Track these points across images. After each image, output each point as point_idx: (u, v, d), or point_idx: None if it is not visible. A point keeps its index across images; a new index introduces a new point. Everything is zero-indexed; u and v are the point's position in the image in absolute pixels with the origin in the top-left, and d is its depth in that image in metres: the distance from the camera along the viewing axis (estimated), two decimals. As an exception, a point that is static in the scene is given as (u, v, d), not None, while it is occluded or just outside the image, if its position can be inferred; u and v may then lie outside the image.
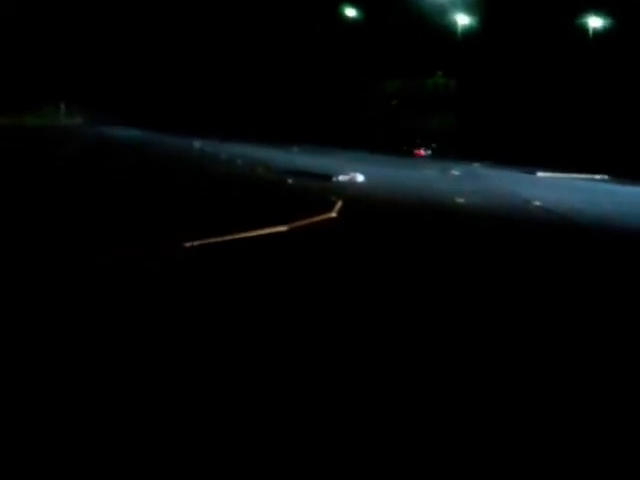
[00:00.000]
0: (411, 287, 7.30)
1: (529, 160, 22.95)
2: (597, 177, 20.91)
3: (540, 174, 20.77)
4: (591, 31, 30.38)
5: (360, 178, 16.23)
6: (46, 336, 5.18)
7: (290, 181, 15.25)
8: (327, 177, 16.00)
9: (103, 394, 4.23)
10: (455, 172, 20.08)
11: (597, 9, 29.55)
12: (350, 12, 36.81)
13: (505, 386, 4.76)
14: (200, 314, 5.94)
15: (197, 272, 7.36)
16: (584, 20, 30.17)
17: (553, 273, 8.40)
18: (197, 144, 22.24)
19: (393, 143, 27.99)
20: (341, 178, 16.07)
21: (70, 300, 6.08)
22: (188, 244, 8.38)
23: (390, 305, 6.55)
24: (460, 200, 14.13)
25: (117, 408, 4.06)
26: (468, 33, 33.78)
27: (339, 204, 12.23)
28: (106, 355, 4.86)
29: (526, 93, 30.73)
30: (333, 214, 11.43)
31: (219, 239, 8.78)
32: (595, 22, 30.14)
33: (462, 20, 33.92)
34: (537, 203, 14.19)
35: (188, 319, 5.77)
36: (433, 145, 27.66)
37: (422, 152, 27.25)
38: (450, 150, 26.61)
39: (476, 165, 22.77)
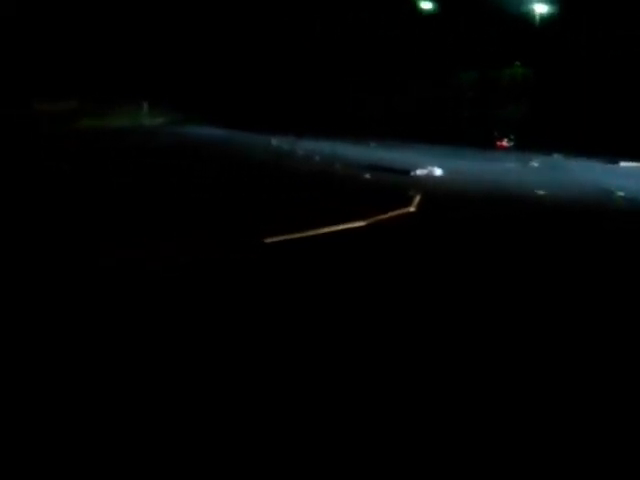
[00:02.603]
0: (494, 282, 7.29)
1: (611, 150, 22.37)
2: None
3: (623, 164, 20.23)
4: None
5: (438, 172, 16.15)
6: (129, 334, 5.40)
7: (368, 176, 15.29)
8: (405, 172, 15.98)
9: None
10: (535, 164, 19.75)
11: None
12: (425, 5, 36.58)
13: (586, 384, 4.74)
14: (282, 309, 6.08)
15: (277, 267, 7.52)
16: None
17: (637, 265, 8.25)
18: (275, 141, 22.48)
19: (472, 135, 27.65)
20: (419, 172, 16.02)
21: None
22: (269, 240, 8.56)
23: (473, 301, 6.56)
24: (541, 192, 13.93)
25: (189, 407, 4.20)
26: (547, 22, 33.14)
27: (418, 198, 12.22)
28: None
29: (606, 82, 29.96)
30: (412, 208, 11.44)
31: (299, 235, 8.93)
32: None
33: (540, 9, 33.30)
34: (621, 194, 13.87)
35: (275, 312, 5.93)
36: (511, 136, 27.21)
37: (505, 143, 26.86)
38: (529, 141, 26.12)
39: (557, 156, 22.33)
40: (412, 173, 15.88)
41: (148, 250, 7.90)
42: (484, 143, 25.99)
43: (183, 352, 4.99)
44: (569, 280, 7.45)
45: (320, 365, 4.84)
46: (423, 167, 16.27)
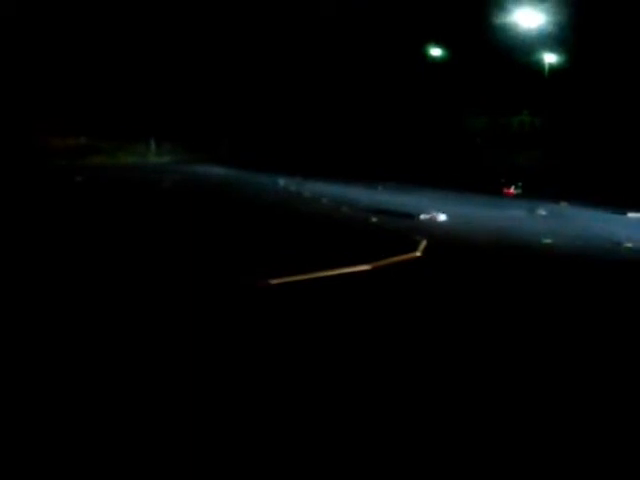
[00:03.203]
0: (498, 332, 7.18)
1: (618, 200, 22.36)
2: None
3: (631, 214, 20.18)
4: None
5: (442, 217, 16.13)
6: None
7: (374, 220, 15.28)
8: (411, 216, 15.97)
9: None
10: (542, 212, 19.71)
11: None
12: (435, 52, 37.00)
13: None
14: (284, 352, 5.99)
15: (281, 309, 7.44)
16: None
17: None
18: (281, 182, 22.56)
19: (479, 181, 27.72)
20: (422, 217, 16.01)
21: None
22: (274, 281, 8.50)
23: (475, 350, 6.46)
24: (547, 241, 13.86)
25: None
26: (555, 71, 33.46)
27: (424, 243, 12.17)
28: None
29: (613, 132, 30.12)
30: (417, 253, 11.38)
31: (303, 277, 8.87)
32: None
33: (549, 58, 33.63)
34: (629, 245, 13.79)
35: (274, 354, 5.84)
36: (519, 184, 27.25)
37: (512, 191, 26.89)
38: (537, 189, 26.15)
39: (564, 205, 22.31)
40: (418, 218, 15.88)
41: (149, 292, 7.85)
42: (492, 190, 26.03)
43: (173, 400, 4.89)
44: (568, 329, 7.35)
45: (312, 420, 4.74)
46: (428, 212, 16.27)
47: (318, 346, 6.24)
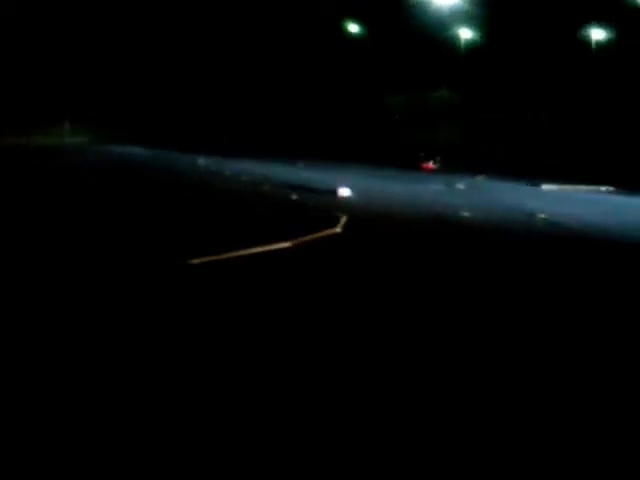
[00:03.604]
0: (408, 303, 7.30)
1: (534, 172, 22.95)
2: (602, 189, 20.91)
3: (545, 187, 20.76)
4: (594, 43, 30.52)
5: (347, 192, 16.26)
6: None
7: (295, 197, 15.27)
8: (332, 192, 16.04)
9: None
10: (460, 186, 20.08)
11: (599, 22, 29.70)
12: (353, 28, 37.02)
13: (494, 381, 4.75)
14: (206, 325, 5.95)
15: (203, 287, 7.38)
16: (586, 32, 30.32)
17: (551, 280, 8.41)
18: (202, 161, 22.27)
19: (399, 157, 28.03)
20: (341, 193, 16.15)
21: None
22: (195, 261, 8.41)
23: (385, 320, 6.55)
24: (465, 214, 14.13)
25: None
26: (472, 47, 33.94)
27: (344, 219, 12.24)
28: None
29: (530, 105, 30.80)
30: (338, 229, 11.43)
31: (225, 256, 8.80)
32: (597, 34, 30.31)
33: (465, 34, 34.07)
34: (542, 216, 14.18)
35: (195, 329, 5.79)
36: (438, 158, 27.69)
37: (431, 165, 27.28)
38: (455, 163, 26.63)
39: (481, 178, 22.77)
40: (338, 193, 15.97)
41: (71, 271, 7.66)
42: (412, 165, 26.36)
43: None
44: (483, 296, 7.54)
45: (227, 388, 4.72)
46: (346, 187, 16.35)
47: (237, 323, 6.22)
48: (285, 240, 9.87)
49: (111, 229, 10.54)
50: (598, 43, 30.53)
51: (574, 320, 6.91)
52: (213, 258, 8.64)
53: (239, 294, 7.24)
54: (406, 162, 26.35)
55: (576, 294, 8.05)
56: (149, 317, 6.27)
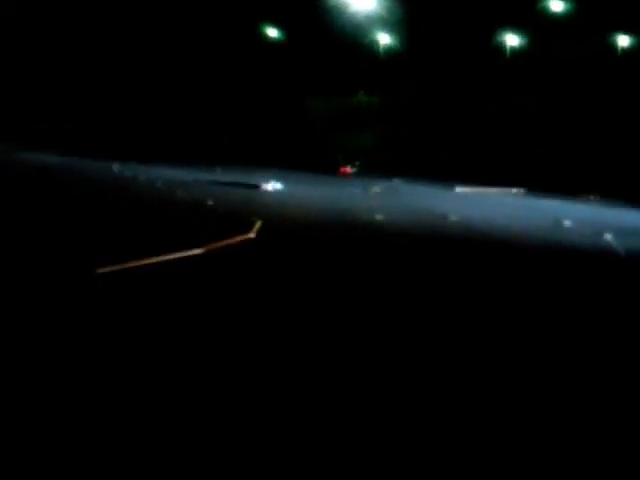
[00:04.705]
0: (327, 302, 7.37)
1: (449, 175, 23.43)
2: (513, 191, 21.52)
3: (458, 189, 21.23)
4: (508, 48, 31.40)
5: (278, 186, 17.59)
6: None
7: (210, 203, 15.18)
8: (252, 189, 16.17)
9: None
10: (377, 189, 20.34)
11: (514, 28, 30.59)
12: (272, 32, 37.04)
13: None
14: (114, 338, 5.87)
15: (110, 297, 7.27)
16: (501, 38, 31.19)
17: (460, 281, 8.63)
18: (116, 167, 21.89)
19: (318, 161, 28.16)
20: (263, 188, 17.43)
21: None
22: (101, 270, 8.27)
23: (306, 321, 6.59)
24: (380, 217, 14.33)
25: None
26: (390, 52, 34.41)
27: (258, 224, 12.23)
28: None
29: (446, 110, 31.44)
30: (251, 234, 11.42)
31: (133, 264, 8.69)
32: (512, 40, 31.20)
33: (383, 39, 34.55)
34: (454, 218, 14.50)
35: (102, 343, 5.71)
36: (356, 162, 27.94)
37: (348, 169, 27.49)
38: (373, 167, 26.93)
39: (397, 181, 23.12)
40: (258, 192, 16.45)
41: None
42: (330, 169, 26.53)
43: None
44: (396, 296, 7.67)
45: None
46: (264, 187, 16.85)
47: (144, 335, 6.15)
48: (197, 246, 9.81)
49: (12, 237, 10.23)
50: (512, 49, 31.43)
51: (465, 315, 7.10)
52: (121, 267, 8.52)
53: (147, 303, 7.16)
54: (324, 166, 26.51)
55: (472, 292, 8.30)
56: (51, 330, 6.14)
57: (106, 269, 8.44)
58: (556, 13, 29.38)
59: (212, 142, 31.34)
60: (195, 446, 3.97)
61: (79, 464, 3.66)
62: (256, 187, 17.90)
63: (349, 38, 33.29)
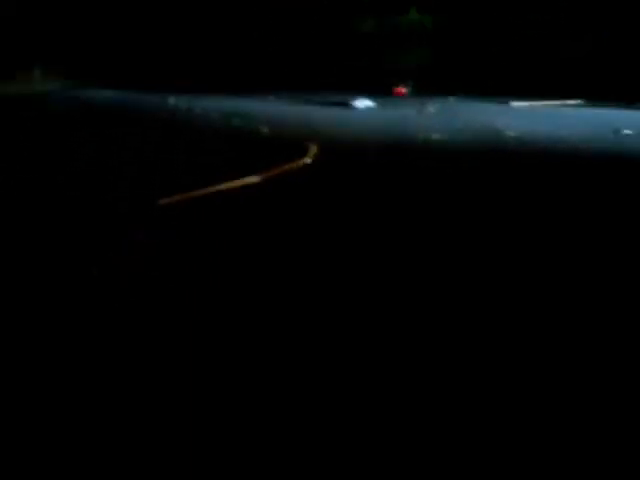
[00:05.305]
0: (384, 239, 7.44)
1: (504, 91, 22.95)
2: (571, 102, 20.98)
3: (514, 104, 20.80)
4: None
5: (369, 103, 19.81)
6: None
7: (265, 130, 15.25)
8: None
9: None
10: (431, 109, 20.07)
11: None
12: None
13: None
14: (180, 271, 6.08)
15: (170, 229, 7.47)
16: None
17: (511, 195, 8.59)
18: (172, 100, 22.06)
19: (370, 82, 27.77)
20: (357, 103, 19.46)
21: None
22: (163, 201, 8.50)
23: (357, 260, 6.70)
24: (436, 136, 14.22)
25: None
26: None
27: (314, 149, 12.29)
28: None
29: (500, 25, 30.54)
30: (307, 160, 11.49)
31: (192, 194, 8.89)
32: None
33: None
34: (510, 134, 14.29)
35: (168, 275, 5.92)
36: (410, 82, 27.49)
37: (402, 90, 27.08)
38: (428, 86, 26.48)
39: (452, 100, 22.75)
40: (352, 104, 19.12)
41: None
42: (383, 90, 26.18)
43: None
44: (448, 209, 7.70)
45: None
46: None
47: (209, 265, 6.34)
48: (254, 174, 9.95)
49: (73, 172, 10.49)
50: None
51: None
52: (181, 197, 8.73)
53: (208, 234, 7.34)
54: (378, 88, 26.15)
55: (534, 208, 8.25)
56: (119, 264, 6.37)
57: (167, 200, 8.69)
58: None
59: (264, 69, 31.14)
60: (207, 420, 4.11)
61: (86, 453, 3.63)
62: (346, 105, 19.69)
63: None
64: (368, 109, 19.69)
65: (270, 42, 33.37)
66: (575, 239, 6.86)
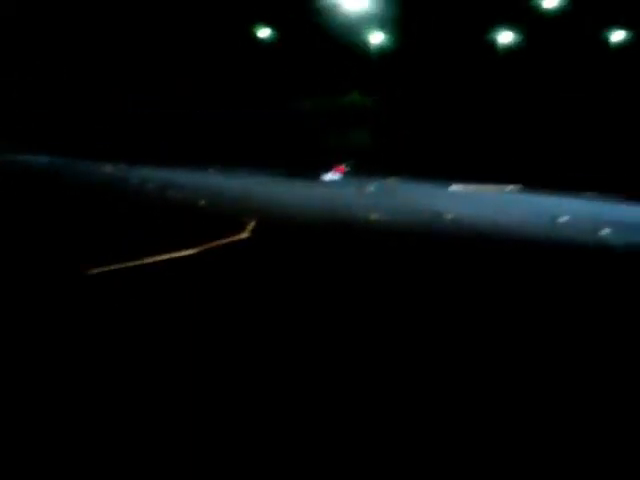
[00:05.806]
0: (309, 308, 7.24)
1: (443, 174, 23.37)
2: (509, 188, 21.45)
3: (454, 187, 21.14)
4: (500, 46, 31.37)
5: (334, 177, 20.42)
6: None
7: (202, 203, 15.04)
8: (239, 199, 15.91)
9: None
10: (371, 188, 20.24)
11: (507, 25, 30.61)
12: (263, 33, 36.90)
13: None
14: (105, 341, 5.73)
15: (99, 299, 7.12)
16: (494, 36, 31.18)
17: (450, 278, 8.52)
18: (108, 169, 21.77)
19: (311, 162, 28.02)
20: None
21: None
22: (92, 271, 8.14)
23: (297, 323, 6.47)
24: (374, 216, 14.22)
25: None
26: (383, 51, 34.33)
27: (252, 224, 12.13)
28: None
29: (440, 108, 31.38)
30: (245, 234, 11.30)
31: (125, 265, 8.56)
32: (505, 37, 31.19)
33: (376, 39, 34.44)
34: (449, 216, 14.39)
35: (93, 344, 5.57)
36: (350, 162, 27.82)
37: (342, 169, 27.36)
38: (367, 167, 26.83)
39: (391, 180, 23.04)
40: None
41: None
42: (322, 169, 26.41)
43: None
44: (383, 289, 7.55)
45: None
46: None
47: (134, 335, 6.02)
48: (191, 247, 9.68)
49: (10, 236, 10.10)
50: (505, 46, 31.40)
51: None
52: (113, 267, 8.39)
53: (140, 304, 7.01)
54: (317, 167, 26.38)
55: (468, 289, 8.19)
56: (39, 330, 5.99)
57: (97, 270, 8.33)
58: (549, 10, 29.33)
59: (204, 144, 31.21)
60: (190, 448, 3.84)
61: (75, 463, 3.55)
62: (316, 178, 21.07)
63: (342, 38, 33.19)
64: (332, 181, 20.56)
65: (210, 117, 33.56)
66: (499, 317, 6.86)
